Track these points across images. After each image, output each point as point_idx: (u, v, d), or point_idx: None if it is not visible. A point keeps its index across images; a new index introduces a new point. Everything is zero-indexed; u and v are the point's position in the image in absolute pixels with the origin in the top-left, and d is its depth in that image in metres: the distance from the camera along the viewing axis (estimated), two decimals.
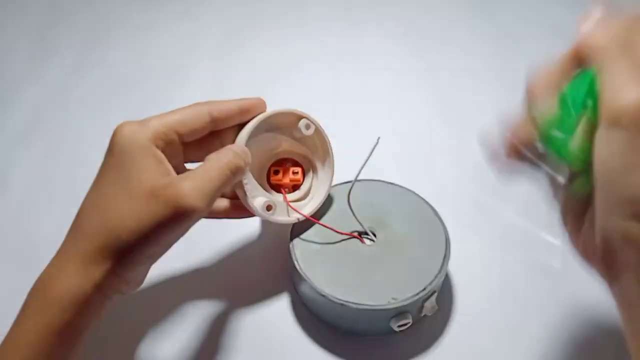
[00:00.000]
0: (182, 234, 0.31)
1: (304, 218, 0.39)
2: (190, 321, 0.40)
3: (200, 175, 0.30)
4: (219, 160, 0.32)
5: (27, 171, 0.52)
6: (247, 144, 0.35)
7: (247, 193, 0.35)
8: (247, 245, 0.45)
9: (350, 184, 0.39)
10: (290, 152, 0.40)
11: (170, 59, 0.63)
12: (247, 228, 0.46)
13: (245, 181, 0.35)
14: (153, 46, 0.65)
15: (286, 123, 0.38)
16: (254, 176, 0.37)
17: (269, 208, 0.37)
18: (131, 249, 0.29)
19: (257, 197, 0.36)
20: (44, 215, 0.48)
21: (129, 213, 0.29)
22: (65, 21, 0.68)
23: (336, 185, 0.42)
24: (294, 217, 0.39)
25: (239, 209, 0.38)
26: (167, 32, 0.66)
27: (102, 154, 0.32)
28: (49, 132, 0.55)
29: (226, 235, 0.45)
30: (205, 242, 0.44)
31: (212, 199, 0.30)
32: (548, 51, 0.73)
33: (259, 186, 0.37)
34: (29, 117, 0.57)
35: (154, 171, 0.30)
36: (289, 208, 0.39)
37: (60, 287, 0.28)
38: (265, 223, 0.46)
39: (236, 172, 0.32)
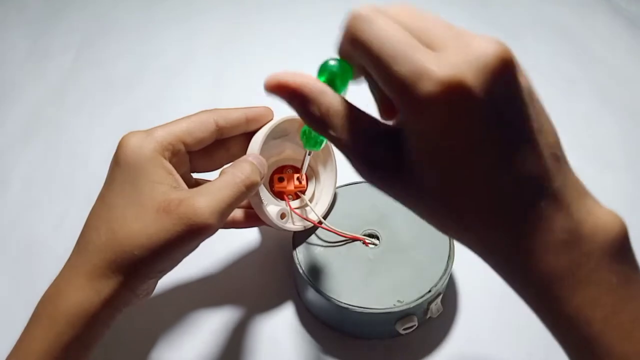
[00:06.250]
0: (194, 249, 0.30)
1: (312, 225, 0.39)
2: (194, 330, 0.40)
3: (215, 191, 0.29)
4: (235, 176, 0.31)
5: (26, 171, 0.52)
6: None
7: (263, 201, 0.35)
8: (250, 253, 0.44)
9: (353, 186, 0.38)
10: (293, 159, 0.39)
11: (169, 59, 0.62)
12: (248, 235, 0.45)
13: (260, 190, 0.34)
14: (153, 46, 0.64)
15: (291, 129, 0.37)
16: None
17: (282, 216, 0.36)
18: (142, 265, 0.28)
19: (270, 206, 0.36)
20: (44, 215, 0.48)
21: (141, 228, 0.28)
22: (65, 20, 0.68)
23: (338, 187, 0.42)
24: (303, 225, 0.39)
25: (250, 218, 0.37)
26: (166, 32, 0.66)
27: (101, 153, 0.31)
28: (49, 131, 0.55)
29: (228, 242, 0.45)
30: (207, 250, 0.44)
31: (226, 216, 0.30)
32: (548, 51, 0.72)
33: (268, 194, 0.37)
34: (28, 117, 0.57)
35: (165, 183, 0.29)
36: (297, 215, 0.38)
37: (68, 302, 0.28)
38: (265, 230, 0.45)
39: (251, 188, 0.31)
